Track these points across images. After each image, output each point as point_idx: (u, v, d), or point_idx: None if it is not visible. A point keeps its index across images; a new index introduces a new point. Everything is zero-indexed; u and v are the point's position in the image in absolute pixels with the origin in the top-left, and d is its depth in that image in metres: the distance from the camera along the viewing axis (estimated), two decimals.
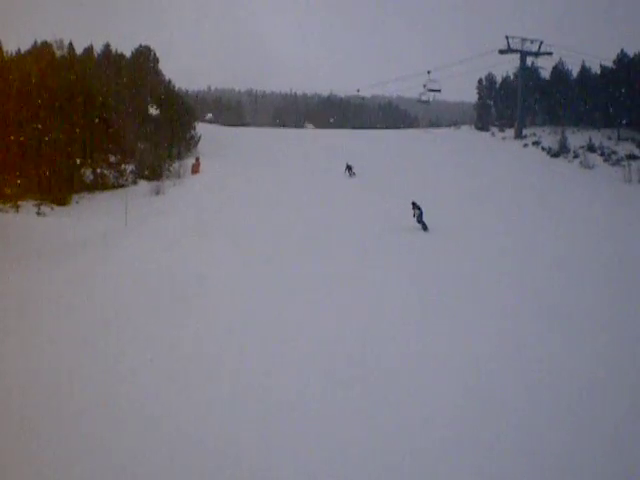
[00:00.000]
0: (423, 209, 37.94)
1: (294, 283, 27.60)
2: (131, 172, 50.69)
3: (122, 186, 48.77)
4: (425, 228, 37.64)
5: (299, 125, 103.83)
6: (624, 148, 69.74)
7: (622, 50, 78.33)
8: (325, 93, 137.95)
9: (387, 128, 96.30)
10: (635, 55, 77.58)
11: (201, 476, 13.54)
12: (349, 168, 55.25)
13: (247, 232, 36.33)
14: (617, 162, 65.58)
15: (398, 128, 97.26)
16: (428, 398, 16.83)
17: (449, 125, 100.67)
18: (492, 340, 21.13)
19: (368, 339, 20.80)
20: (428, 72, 75.39)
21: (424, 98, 79.84)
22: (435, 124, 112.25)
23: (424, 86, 76.25)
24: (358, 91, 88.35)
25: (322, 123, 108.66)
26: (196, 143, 64.20)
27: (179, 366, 18.88)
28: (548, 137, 75.59)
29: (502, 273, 30.29)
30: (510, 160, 65.04)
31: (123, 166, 50.61)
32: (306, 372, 18.28)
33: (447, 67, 76.85)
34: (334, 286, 26.93)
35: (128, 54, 70.85)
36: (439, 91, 77.88)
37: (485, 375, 18.34)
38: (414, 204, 38.20)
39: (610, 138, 73.47)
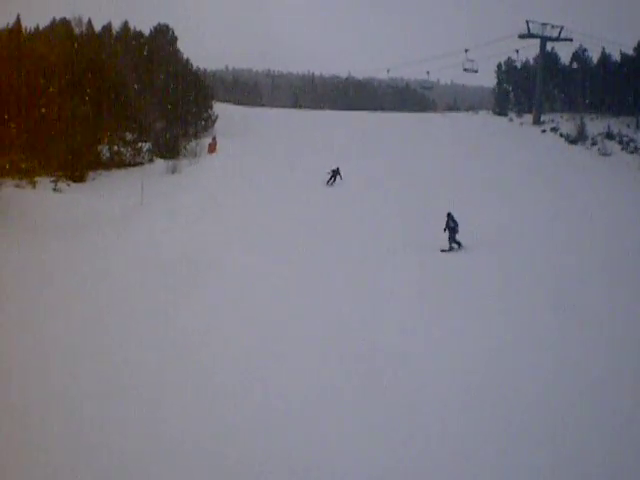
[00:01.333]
0: (458, 223, 31.93)
1: (314, 268, 27.81)
2: (147, 150, 50.70)
3: (138, 164, 48.85)
4: (457, 245, 32.16)
5: (317, 106, 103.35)
6: None
7: None
8: (343, 75, 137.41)
9: (405, 111, 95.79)
10: None
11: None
12: (334, 175, 46.22)
13: (262, 212, 36.42)
14: (635, 150, 65.10)
15: (417, 112, 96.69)
16: None
17: (467, 109, 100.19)
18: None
19: None
20: (465, 50, 74.84)
21: (427, 85, 79.86)
22: (453, 108, 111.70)
23: (464, 68, 75.50)
24: (388, 71, 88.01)
25: (339, 105, 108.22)
26: (213, 122, 64.16)
27: (189, 347, 19.00)
28: (566, 123, 74.99)
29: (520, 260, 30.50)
30: (528, 146, 64.65)
31: (140, 144, 50.63)
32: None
33: (465, 51, 76.04)
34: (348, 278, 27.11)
35: (147, 32, 70.87)
36: (476, 71, 77.39)
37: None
38: (449, 216, 32.02)
39: (629, 126, 72.82)
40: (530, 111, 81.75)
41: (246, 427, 14.94)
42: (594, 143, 67.69)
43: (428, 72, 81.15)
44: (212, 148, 54.12)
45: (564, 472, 13.80)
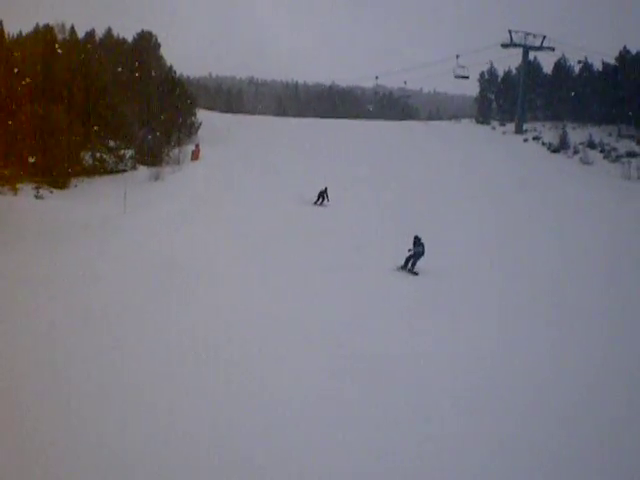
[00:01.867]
0: (424, 247, 29.66)
1: (292, 274, 27.82)
2: (130, 157, 50.54)
3: (121, 171, 48.68)
4: (412, 271, 29.85)
5: (300, 114, 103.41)
6: (624, 145, 69.64)
7: (624, 47, 78.29)
8: (327, 83, 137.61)
9: (389, 119, 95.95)
10: (637, 52, 77.46)
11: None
12: (321, 196, 43.67)
13: (245, 220, 36.39)
14: (617, 159, 65.51)
15: (400, 120, 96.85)
16: None
17: (450, 118, 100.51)
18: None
19: None
20: (457, 56, 75.39)
21: (405, 93, 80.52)
22: (436, 116, 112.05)
23: (455, 75, 76.15)
24: (377, 78, 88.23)
25: (323, 113, 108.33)
26: (196, 130, 64.06)
27: (174, 352, 18.94)
28: (548, 132, 75.49)
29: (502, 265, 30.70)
30: (510, 155, 64.95)
31: (122, 151, 50.48)
32: None
33: (449, 60, 76.59)
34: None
35: (130, 39, 70.76)
36: (467, 77, 78.07)
37: None
38: (417, 239, 29.90)
39: (610, 135, 73.34)
40: (512, 120, 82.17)
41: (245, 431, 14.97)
42: (576, 152, 68.13)
43: (405, 82, 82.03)
44: (195, 155, 54.05)
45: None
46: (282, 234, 34.70)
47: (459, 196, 46.06)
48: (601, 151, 68.36)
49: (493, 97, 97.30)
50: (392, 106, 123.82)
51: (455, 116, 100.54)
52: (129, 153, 50.74)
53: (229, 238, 32.79)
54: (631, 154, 65.92)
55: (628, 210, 46.04)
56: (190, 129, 63.39)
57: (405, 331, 22.02)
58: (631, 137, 71.98)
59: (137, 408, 15.68)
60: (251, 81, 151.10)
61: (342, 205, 42.42)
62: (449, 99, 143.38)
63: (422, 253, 29.72)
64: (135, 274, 26.25)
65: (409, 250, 29.83)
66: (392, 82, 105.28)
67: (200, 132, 63.57)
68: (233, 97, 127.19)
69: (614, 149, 68.60)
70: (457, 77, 77.47)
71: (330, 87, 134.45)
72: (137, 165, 50.27)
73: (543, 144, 72.19)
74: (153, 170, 47.59)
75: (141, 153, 51.48)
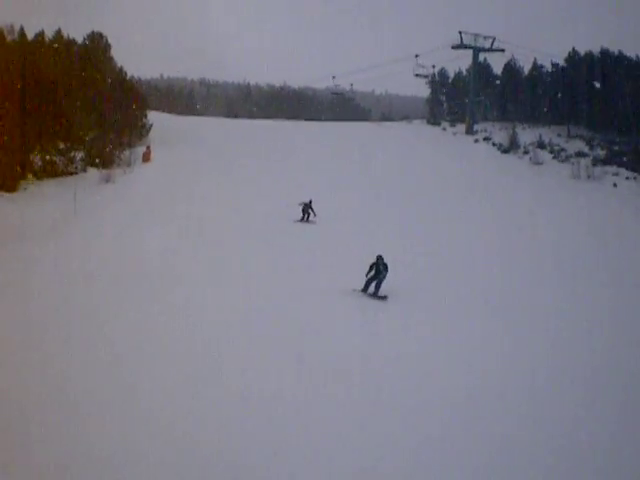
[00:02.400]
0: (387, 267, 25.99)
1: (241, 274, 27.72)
2: (81, 159, 49.99)
3: (72, 174, 48.14)
4: (377, 295, 26.08)
5: (252, 116, 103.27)
6: (573, 145, 70.70)
7: (573, 48, 79.44)
8: (279, 84, 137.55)
9: (342, 120, 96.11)
10: (586, 53, 78.62)
11: None
12: (305, 210, 39.71)
13: (196, 222, 36.17)
14: (566, 159, 66.43)
15: (351, 121, 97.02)
16: None
17: (401, 119, 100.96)
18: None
19: None
20: (416, 56, 75.99)
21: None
22: (388, 117, 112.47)
23: (415, 74, 76.98)
24: (333, 78, 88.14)
25: (275, 114, 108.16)
26: (147, 131, 63.60)
27: (116, 357, 18.76)
28: (499, 133, 76.24)
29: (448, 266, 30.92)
30: (461, 156, 65.44)
31: (73, 153, 49.90)
32: None
33: (400, 61, 77.01)
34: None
35: (80, 40, 69.91)
36: (427, 77, 78.96)
37: None
38: (380, 259, 26.03)
39: (560, 135, 74.39)
40: (463, 121, 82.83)
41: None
42: (526, 152, 68.93)
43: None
44: (146, 157, 53.69)
45: None
46: (233, 230, 34.68)
47: (408, 199, 46.17)
48: (551, 151, 69.27)
49: (444, 98, 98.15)
50: (345, 107, 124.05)
51: (407, 117, 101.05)
52: (79, 155, 50.18)
53: (182, 239, 32.56)
54: (580, 154, 66.91)
55: (577, 209, 46.80)
56: (141, 131, 62.92)
57: None
58: (580, 137, 73.09)
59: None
60: (202, 82, 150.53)
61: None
62: (401, 100, 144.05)
63: (384, 275, 25.93)
64: (83, 276, 25.99)
65: (370, 269, 25.97)
66: (344, 83, 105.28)
67: (151, 134, 63.12)
68: (184, 99, 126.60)
69: (563, 149, 69.58)
70: (417, 76, 78.30)
71: (282, 88, 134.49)
72: (88, 167, 49.74)
73: (494, 145, 72.90)
74: (104, 172, 47.14)
75: (92, 155, 50.94)
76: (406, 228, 38.37)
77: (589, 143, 71.52)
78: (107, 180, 46.04)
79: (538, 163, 65.27)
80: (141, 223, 35.24)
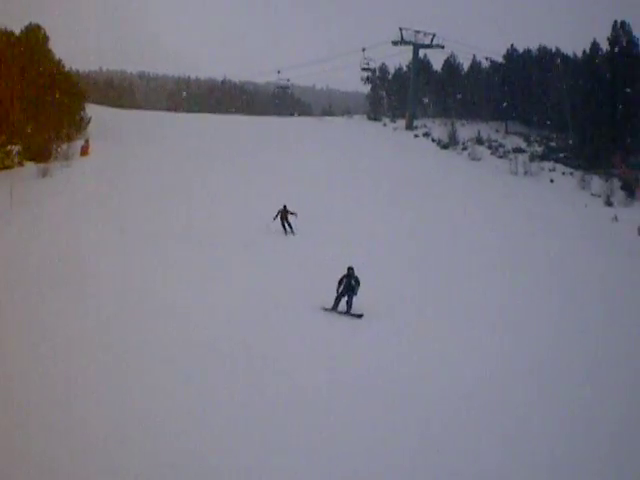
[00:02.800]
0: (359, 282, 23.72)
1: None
2: (17, 153, 49.12)
3: (7, 168, 47.31)
4: (350, 312, 23.72)
5: (192, 110, 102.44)
6: (511, 141, 71.81)
7: (512, 45, 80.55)
8: (219, 78, 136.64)
9: (280, 115, 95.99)
10: (524, 51, 79.81)
11: None
12: (282, 216, 35.22)
13: (135, 216, 35.87)
14: (504, 155, 67.42)
15: (292, 116, 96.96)
16: None
17: (342, 114, 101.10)
18: None
19: None
20: (363, 50, 76.95)
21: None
22: (328, 112, 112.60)
23: (362, 67, 78.15)
24: (279, 72, 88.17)
25: (216, 109, 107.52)
26: (86, 125, 62.72)
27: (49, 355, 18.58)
28: (438, 129, 76.91)
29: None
30: (401, 151, 65.86)
31: (9, 147, 49.01)
32: None
33: (341, 57, 77.36)
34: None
35: (18, 31, 68.63)
36: (374, 70, 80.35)
37: None
38: (350, 271, 23.88)
39: (498, 131, 75.46)
40: (403, 116, 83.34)
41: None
42: (465, 148, 69.74)
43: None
44: (85, 151, 52.96)
45: None
46: (172, 227, 34.51)
47: (346, 196, 46.23)
48: (489, 147, 70.25)
49: (384, 94, 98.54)
50: (286, 102, 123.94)
51: (348, 112, 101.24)
52: (16, 149, 49.31)
53: (121, 235, 32.20)
54: (517, 150, 68.00)
55: (515, 205, 47.53)
56: (79, 124, 62.02)
57: None
58: (518, 134, 74.21)
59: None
60: (142, 76, 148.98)
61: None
62: (342, 95, 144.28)
63: (357, 290, 23.75)
64: (21, 272, 25.65)
65: (340, 283, 23.87)
66: (284, 78, 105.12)
67: (90, 127, 62.27)
68: (124, 92, 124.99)
69: (501, 145, 70.62)
70: (363, 69, 79.48)
71: (222, 82, 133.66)
72: (24, 161, 48.92)
73: (433, 140, 73.58)
74: (41, 166, 46.38)
75: (28, 149, 50.05)
76: (350, 219, 38.70)
77: (527, 139, 72.68)
78: (44, 174, 45.28)
79: (476, 159, 66.09)
80: (78, 218, 34.74)
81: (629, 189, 54.94)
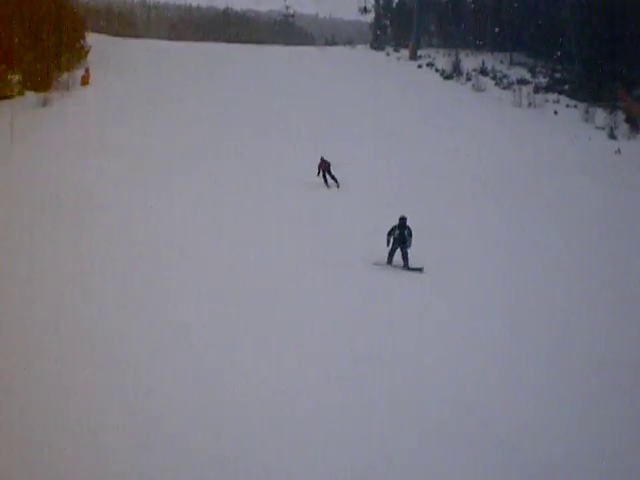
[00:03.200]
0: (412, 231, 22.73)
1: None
2: (17, 82, 48.74)
3: (8, 97, 47.00)
4: (408, 266, 22.98)
5: (195, 39, 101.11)
6: (516, 73, 70.91)
7: None
8: (221, 6, 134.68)
9: (286, 44, 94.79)
10: None
11: None
12: (325, 172, 32.81)
13: (143, 149, 35.77)
14: (508, 86, 66.68)
15: (294, 45, 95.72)
16: None
17: (344, 44, 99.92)
18: None
19: None
20: None
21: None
22: (331, 42, 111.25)
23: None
24: None
25: (219, 38, 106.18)
26: (86, 53, 62.09)
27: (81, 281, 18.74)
28: (442, 59, 75.91)
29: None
30: (404, 81, 65.20)
31: (9, 76, 48.62)
32: None
33: None
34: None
35: None
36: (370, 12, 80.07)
37: None
38: (402, 220, 22.74)
39: (502, 62, 74.51)
40: (407, 46, 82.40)
41: None
42: (469, 79, 68.92)
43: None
44: (85, 80, 52.57)
45: None
46: (182, 155, 34.48)
47: (354, 128, 46.06)
48: (493, 78, 69.43)
49: (388, 23, 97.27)
50: (288, 31, 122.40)
51: (350, 42, 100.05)
52: (16, 78, 48.90)
53: (131, 168, 32.13)
54: (522, 82, 67.17)
55: (518, 137, 47.33)
56: (79, 53, 61.39)
57: None
58: (522, 65, 73.29)
59: None
60: (143, 4, 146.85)
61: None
62: (345, 25, 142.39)
63: (410, 241, 22.77)
64: (20, 201, 25.73)
65: (389, 235, 22.92)
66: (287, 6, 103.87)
67: (90, 56, 61.62)
68: (125, 20, 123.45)
69: (506, 76, 69.78)
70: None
71: (224, 11, 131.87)
72: (24, 91, 48.56)
73: (437, 70, 72.69)
74: (41, 96, 46.09)
75: (29, 78, 49.66)
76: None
77: (531, 70, 71.82)
78: (45, 104, 45.05)
79: (480, 90, 65.38)
80: (79, 148, 34.68)
81: (633, 122, 54.49)
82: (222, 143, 38.43)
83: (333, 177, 32.57)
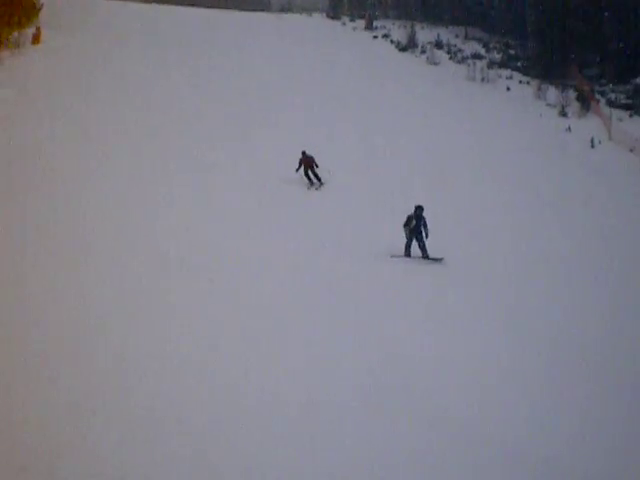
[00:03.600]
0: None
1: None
2: None
3: None
4: (427, 256, 22.15)
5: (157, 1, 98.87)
6: (470, 47, 71.32)
7: None
8: None
9: (241, 10, 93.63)
10: None
11: None
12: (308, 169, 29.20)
13: (87, 110, 35.15)
14: (463, 60, 67.04)
15: (252, 11, 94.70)
16: None
17: (301, 12, 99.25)
18: None
19: None
20: None
21: None
22: (287, 9, 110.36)
23: None
24: None
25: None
26: (37, 12, 60.73)
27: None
28: (398, 31, 75.98)
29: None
30: (358, 51, 65.08)
31: None
32: None
33: None
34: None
35: None
36: None
37: None
38: (419, 210, 21.97)
39: (457, 36, 74.84)
40: (363, 16, 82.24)
41: None
42: (423, 51, 69.11)
43: None
44: (36, 39, 51.58)
45: None
46: (128, 124, 33.92)
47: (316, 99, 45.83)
48: (448, 52, 69.76)
49: None
50: None
51: (306, 9, 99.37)
52: None
53: (65, 122, 31.49)
54: (476, 56, 67.65)
55: (470, 112, 47.65)
56: (31, 11, 60.01)
57: None
58: (477, 40, 73.71)
59: None
60: None
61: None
62: None
63: (427, 232, 21.95)
64: None
65: (407, 224, 22.13)
66: None
67: (42, 15, 60.26)
68: None
69: (460, 50, 70.15)
70: None
71: None
72: None
73: (392, 42, 72.72)
74: None
75: None
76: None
77: (486, 46, 72.31)
78: None
79: (435, 63, 65.63)
80: (28, 106, 34.03)
81: (584, 101, 55.21)
82: (160, 107, 37.86)
83: (316, 175, 29.17)
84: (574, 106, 54.22)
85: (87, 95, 37.81)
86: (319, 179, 29.20)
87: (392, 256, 21.91)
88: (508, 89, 59.04)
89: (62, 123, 31.50)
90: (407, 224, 21.84)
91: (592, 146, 44.46)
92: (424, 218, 21.59)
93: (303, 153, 28.88)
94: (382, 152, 35.21)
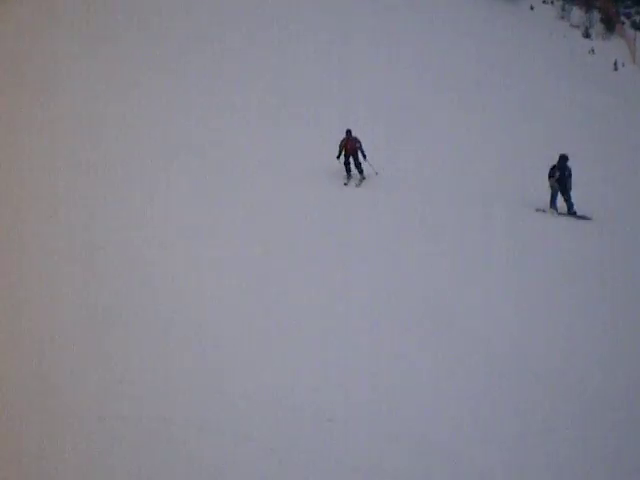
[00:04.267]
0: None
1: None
2: None
3: None
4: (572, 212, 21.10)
5: None
6: None
7: None
8: None
9: None
10: None
11: None
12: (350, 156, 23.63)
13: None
14: None
15: None
16: None
17: None
18: None
19: None
20: None
21: None
22: None
23: None
24: None
25: None
26: None
27: None
28: None
29: None
30: None
31: None
32: None
33: None
34: None
35: None
36: None
37: None
38: (563, 160, 20.77)
39: None
40: None
41: None
42: None
43: None
44: None
45: None
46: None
47: None
48: None
49: None
50: None
51: None
52: None
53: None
54: None
55: (492, 32, 46.75)
56: None
57: None
58: None
59: None
60: None
61: None
62: None
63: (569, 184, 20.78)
64: None
65: (550, 175, 21.01)
66: None
67: None
68: None
69: None
70: None
71: None
72: None
73: None
74: None
75: None
76: None
77: None
78: None
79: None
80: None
81: (608, 22, 54.19)
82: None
83: (358, 166, 23.85)
84: (598, 27, 53.24)
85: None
86: (361, 171, 23.98)
87: (537, 210, 21.14)
88: (532, 8, 57.77)
89: None
90: (551, 175, 20.87)
91: (615, 69, 43.87)
92: (569, 168, 20.51)
93: (348, 133, 23.36)
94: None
